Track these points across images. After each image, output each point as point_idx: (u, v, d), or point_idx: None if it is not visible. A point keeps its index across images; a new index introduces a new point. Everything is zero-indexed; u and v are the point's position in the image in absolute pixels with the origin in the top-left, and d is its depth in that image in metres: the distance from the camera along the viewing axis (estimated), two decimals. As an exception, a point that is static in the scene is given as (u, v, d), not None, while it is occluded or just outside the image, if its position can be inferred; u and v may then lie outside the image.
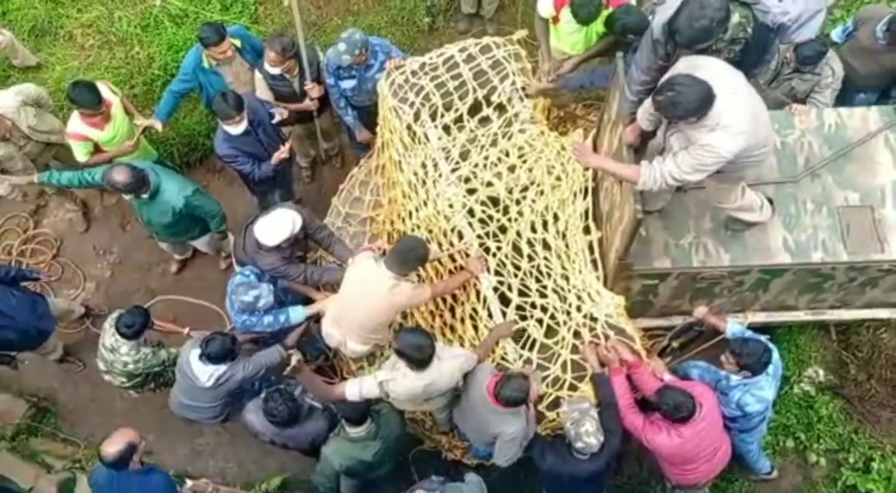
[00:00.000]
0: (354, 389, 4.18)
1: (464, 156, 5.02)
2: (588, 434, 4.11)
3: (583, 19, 4.92)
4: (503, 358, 4.63)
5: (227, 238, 5.78)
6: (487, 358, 4.49)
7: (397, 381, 4.13)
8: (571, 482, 4.36)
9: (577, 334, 4.57)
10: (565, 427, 4.20)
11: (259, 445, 4.94)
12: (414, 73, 5.13)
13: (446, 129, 5.09)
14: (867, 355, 5.45)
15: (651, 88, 3.86)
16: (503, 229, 4.84)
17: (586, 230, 4.78)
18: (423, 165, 4.99)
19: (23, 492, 5.35)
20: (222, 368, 4.54)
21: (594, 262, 4.72)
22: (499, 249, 4.76)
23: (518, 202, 4.88)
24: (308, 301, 5.01)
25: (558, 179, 4.91)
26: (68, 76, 6.36)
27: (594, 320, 4.56)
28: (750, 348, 4.37)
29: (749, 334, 4.59)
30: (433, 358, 4.05)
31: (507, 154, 5.01)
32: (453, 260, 4.85)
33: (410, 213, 5.03)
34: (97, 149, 5.40)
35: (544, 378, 4.52)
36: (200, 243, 5.84)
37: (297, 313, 4.85)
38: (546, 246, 4.77)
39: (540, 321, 4.63)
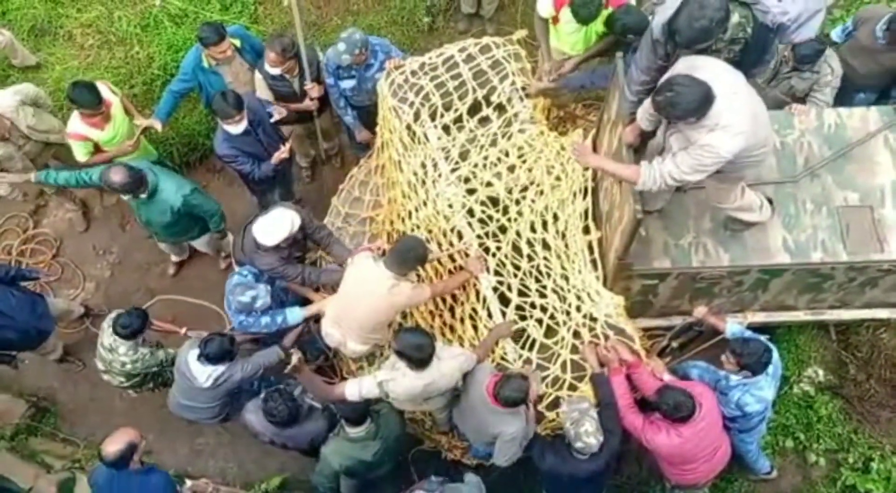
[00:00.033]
0: (354, 389, 4.18)
1: (463, 156, 5.02)
2: (588, 434, 4.11)
3: (583, 19, 4.92)
4: (503, 358, 4.63)
5: (226, 238, 5.78)
6: (487, 358, 4.49)
7: (397, 381, 4.13)
8: (571, 482, 4.36)
9: (576, 334, 4.57)
10: (565, 427, 4.20)
11: (259, 445, 4.94)
12: (413, 73, 5.13)
13: (446, 129, 5.09)
14: (867, 355, 5.45)
15: (651, 88, 3.86)
16: (503, 229, 4.84)
17: (586, 230, 4.78)
18: (423, 165, 4.99)
19: (22, 492, 5.35)
20: (221, 368, 4.54)
21: (594, 262, 4.72)
22: (498, 249, 4.76)
23: (518, 202, 4.88)
24: (306, 302, 5.01)
25: (558, 179, 4.91)
26: (68, 76, 6.37)
27: (594, 320, 4.56)
28: (750, 348, 4.37)
29: (749, 334, 4.59)
30: (433, 358, 4.05)
31: (507, 154, 5.01)
32: (453, 260, 4.86)
33: (410, 213, 5.03)
34: (97, 149, 5.40)
35: (544, 378, 4.52)
36: (200, 243, 5.84)
37: (295, 315, 4.85)
38: (546, 246, 4.77)
39: (539, 321, 4.63)
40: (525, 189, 4.92)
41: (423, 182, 4.95)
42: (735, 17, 3.68)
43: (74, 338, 6.07)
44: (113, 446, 4.23)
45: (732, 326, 4.66)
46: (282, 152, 5.27)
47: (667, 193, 4.45)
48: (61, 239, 6.53)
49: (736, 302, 4.96)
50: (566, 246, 4.77)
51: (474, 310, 4.75)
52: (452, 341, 4.82)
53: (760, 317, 5.06)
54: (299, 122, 5.89)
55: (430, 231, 4.92)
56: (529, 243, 4.77)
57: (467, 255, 4.74)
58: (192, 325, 5.55)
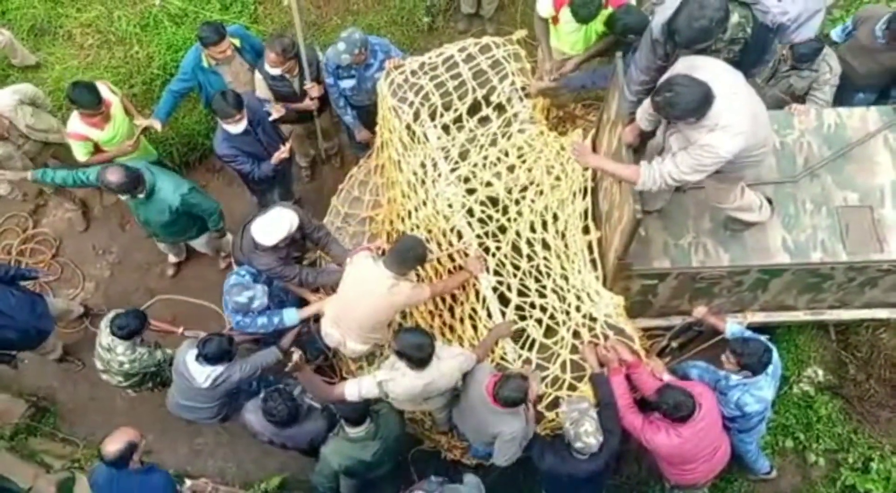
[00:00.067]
0: (354, 389, 4.18)
1: (463, 156, 5.01)
2: (587, 434, 4.11)
3: (582, 18, 4.92)
4: (502, 358, 4.63)
5: (224, 237, 5.78)
6: (487, 358, 4.49)
7: (396, 381, 4.13)
8: (570, 482, 4.36)
9: (576, 334, 4.57)
10: (564, 427, 4.20)
11: (258, 445, 4.94)
12: (413, 72, 5.13)
13: (445, 128, 5.09)
14: (866, 355, 5.45)
15: (650, 88, 3.86)
16: (502, 229, 4.84)
17: (585, 230, 4.78)
18: (423, 165, 4.99)
19: (22, 492, 5.35)
20: (219, 369, 4.54)
21: (593, 262, 4.72)
22: (498, 249, 4.76)
23: (517, 202, 4.88)
24: (304, 303, 5.01)
25: (557, 178, 4.91)
26: (67, 76, 6.37)
27: (593, 319, 4.56)
28: (751, 348, 4.37)
29: (748, 334, 4.59)
30: (432, 357, 4.04)
31: (507, 154, 5.01)
32: (452, 260, 4.86)
33: (410, 212, 5.03)
34: (97, 149, 5.40)
35: (543, 378, 4.52)
36: (198, 244, 5.84)
37: (291, 316, 4.85)
38: (545, 246, 4.77)
39: (539, 321, 4.63)
40: (525, 189, 4.92)
41: (423, 182, 4.95)
42: (735, 17, 3.69)
43: (74, 338, 6.07)
44: (113, 445, 4.23)
45: (732, 326, 4.66)
46: (282, 152, 5.26)
47: (666, 193, 4.45)
48: (61, 239, 6.53)
49: (735, 302, 4.96)
50: (566, 246, 4.77)
51: (474, 310, 4.75)
52: (452, 340, 4.82)
53: (760, 317, 5.06)
54: (299, 121, 5.89)
55: (429, 231, 4.92)
56: (529, 243, 4.77)
57: (467, 255, 4.74)
58: (192, 325, 5.56)
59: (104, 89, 5.22)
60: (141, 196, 4.94)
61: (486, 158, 4.99)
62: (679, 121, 3.64)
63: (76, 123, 5.24)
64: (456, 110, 5.08)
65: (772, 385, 4.48)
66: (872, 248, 4.55)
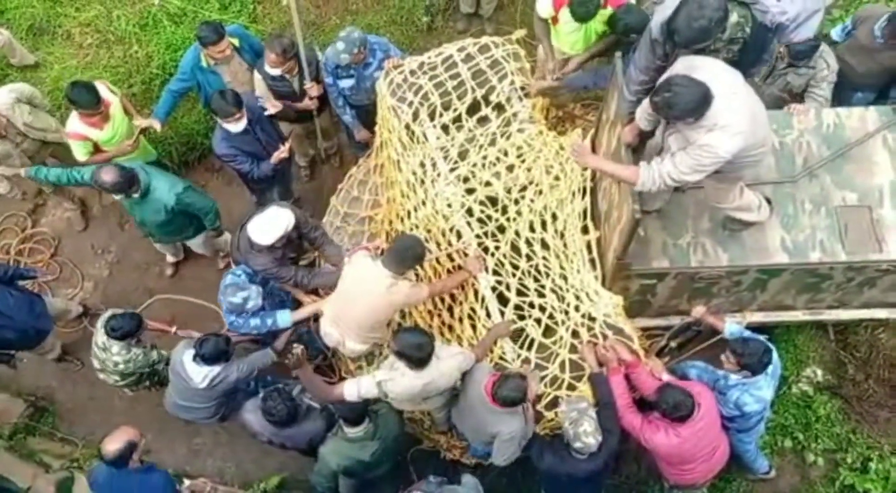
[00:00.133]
0: (353, 389, 4.17)
1: (462, 155, 5.02)
2: (586, 434, 4.11)
3: (581, 17, 4.92)
4: (501, 358, 4.63)
5: (222, 236, 5.77)
6: (485, 357, 4.49)
7: (396, 381, 4.12)
8: (570, 482, 4.36)
9: (575, 334, 4.57)
10: (563, 427, 4.21)
11: (257, 444, 4.94)
12: (412, 72, 5.13)
13: (445, 128, 5.09)
14: (865, 354, 5.45)
15: (649, 88, 3.86)
16: (501, 229, 4.84)
17: (585, 230, 4.78)
18: (422, 165, 4.99)
19: (21, 492, 5.34)
20: (216, 369, 4.54)
21: (592, 261, 4.73)
22: (497, 248, 4.76)
23: (516, 202, 4.88)
24: (300, 304, 5.01)
25: (557, 178, 4.91)
26: (66, 75, 6.37)
27: (592, 319, 4.56)
28: (751, 348, 4.37)
29: (747, 333, 4.59)
30: (432, 357, 4.04)
31: (506, 154, 5.01)
32: (451, 260, 4.86)
33: (409, 212, 5.03)
34: (97, 149, 5.39)
35: (542, 378, 4.52)
36: (195, 244, 5.83)
37: (285, 318, 4.85)
38: (544, 246, 4.77)
39: (538, 321, 4.63)
40: (524, 189, 4.92)
41: (422, 181, 4.96)
42: (734, 17, 3.69)
43: (73, 337, 6.07)
44: (113, 444, 4.23)
45: (731, 326, 4.66)
46: (281, 152, 5.26)
47: (665, 193, 4.45)
48: (60, 238, 6.52)
49: (734, 302, 4.97)
50: (565, 246, 4.78)
51: (473, 309, 4.75)
52: (451, 340, 4.82)
53: (759, 317, 5.07)
54: (299, 121, 5.89)
55: (428, 231, 4.92)
56: (528, 243, 4.77)
57: (466, 254, 4.74)
58: (191, 325, 5.56)
59: (103, 89, 5.22)
60: (136, 196, 4.93)
61: (485, 157, 4.99)
62: (678, 121, 3.64)
63: (75, 123, 5.24)
64: (455, 110, 5.08)
65: (771, 385, 4.49)
66: (871, 248, 4.55)
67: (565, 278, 4.68)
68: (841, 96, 5.27)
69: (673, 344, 5.21)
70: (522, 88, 5.19)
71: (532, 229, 4.81)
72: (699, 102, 3.48)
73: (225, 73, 5.39)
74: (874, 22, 5.09)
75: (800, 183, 4.68)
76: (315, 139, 6.23)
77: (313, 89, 5.41)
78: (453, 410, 4.56)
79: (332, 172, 6.49)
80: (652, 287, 4.78)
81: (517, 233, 4.80)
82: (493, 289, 4.67)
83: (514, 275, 4.70)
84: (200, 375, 4.55)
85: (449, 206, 4.85)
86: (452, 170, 4.94)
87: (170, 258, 6.22)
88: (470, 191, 4.91)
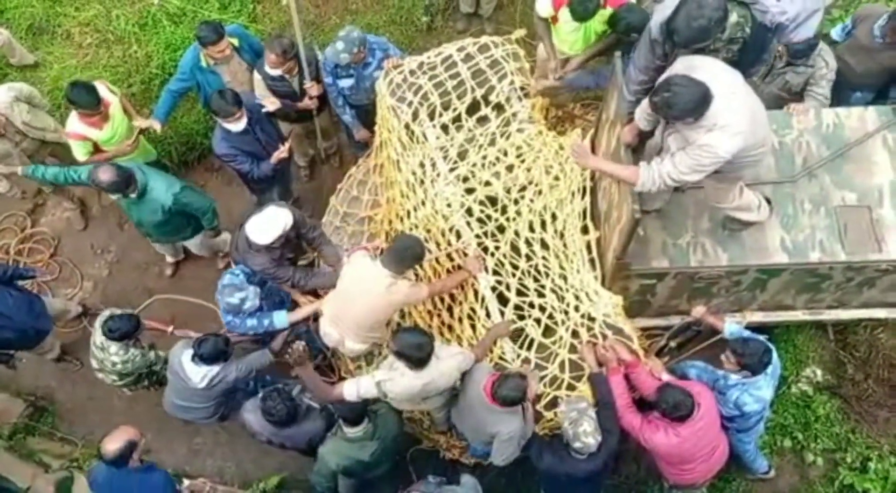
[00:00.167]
0: (352, 389, 4.18)
1: (462, 155, 5.02)
2: (586, 434, 4.11)
3: (580, 17, 4.92)
4: (501, 358, 4.64)
5: (219, 235, 5.77)
6: (485, 357, 4.49)
7: (395, 381, 4.12)
8: (569, 482, 4.36)
9: (575, 334, 4.57)
10: (563, 427, 4.20)
11: (257, 444, 4.94)
12: (412, 72, 5.13)
13: (444, 128, 5.09)
14: (865, 354, 5.45)
15: (649, 88, 3.86)
16: (501, 229, 4.85)
17: (584, 230, 4.78)
18: (422, 165, 4.99)
19: (21, 492, 5.34)
20: (215, 369, 4.54)
21: (592, 261, 4.72)
22: (497, 248, 4.76)
23: (516, 202, 4.89)
24: (297, 305, 5.02)
25: (556, 178, 4.91)
26: (66, 75, 6.37)
27: (592, 319, 4.56)
28: (751, 348, 4.37)
29: (747, 333, 4.59)
30: (431, 357, 4.04)
31: (506, 154, 5.01)
32: (451, 259, 4.86)
33: (409, 212, 5.03)
34: (96, 148, 5.39)
35: (542, 378, 4.52)
36: (193, 245, 5.82)
37: (281, 319, 4.85)
38: (544, 246, 4.77)
39: (538, 321, 4.63)
40: (523, 189, 4.92)
41: (422, 181, 4.96)
42: (733, 17, 3.69)
43: (72, 337, 6.06)
44: (113, 444, 4.23)
45: (731, 325, 4.66)
46: (281, 152, 5.26)
47: (665, 193, 4.45)
48: (59, 238, 6.52)
49: (734, 302, 4.97)
50: (564, 246, 4.78)
51: (472, 309, 4.75)
52: (451, 340, 4.82)
53: (758, 317, 5.07)
54: (298, 121, 5.88)
55: (428, 230, 4.92)
56: (528, 243, 4.77)
57: (466, 254, 4.74)
58: (190, 324, 5.56)
59: (103, 89, 5.22)
60: (133, 196, 4.92)
61: (484, 157, 4.99)
62: (677, 121, 3.64)
63: (75, 123, 5.24)
64: (455, 110, 5.08)
65: (771, 385, 4.49)
66: (871, 248, 4.55)
67: (565, 278, 4.68)
68: (840, 96, 5.27)
69: (672, 344, 5.21)
70: (522, 88, 5.19)
71: (532, 229, 4.81)
72: (698, 101, 3.48)
73: (224, 73, 5.39)
74: (874, 21, 5.09)
75: (799, 183, 4.68)
76: (315, 139, 6.23)
77: (313, 89, 5.41)
78: (453, 410, 4.56)
79: (332, 172, 6.49)
80: (651, 287, 4.78)
81: (517, 233, 4.80)
82: (493, 289, 4.67)
83: (513, 275, 4.70)
84: (199, 375, 4.55)
85: (448, 206, 4.85)
86: (452, 170, 4.94)
87: (169, 258, 6.22)
88: (469, 191, 4.91)
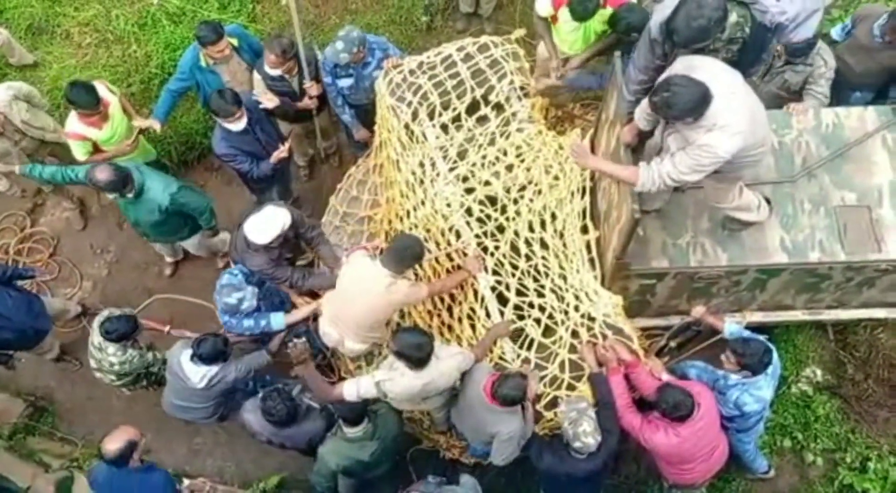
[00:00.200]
0: (352, 389, 4.18)
1: (461, 155, 5.01)
2: (586, 434, 4.11)
3: (580, 16, 4.93)
4: (501, 357, 4.63)
5: (217, 235, 5.77)
6: (485, 357, 4.49)
7: (395, 381, 4.12)
8: (569, 482, 4.36)
9: (574, 334, 4.57)
10: (563, 427, 4.20)
11: (257, 444, 4.94)
12: (412, 72, 5.13)
13: (444, 128, 5.09)
14: (864, 354, 5.45)
15: (649, 88, 3.86)
16: (501, 229, 4.84)
17: (584, 230, 4.78)
18: (421, 164, 4.99)
19: (21, 491, 5.35)
20: (214, 369, 4.54)
21: (592, 261, 4.72)
22: (496, 248, 4.76)
23: (516, 201, 4.88)
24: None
25: (556, 178, 4.91)
26: (65, 75, 6.37)
27: (592, 319, 4.56)
28: (752, 349, 4.37)
29: (747, 333, 4.59)
30: (431, 357, 4.04)
31: (505, 153, 5.01)
32: (451, 259, 4.85)
33: (408, 212, 5.03)
34: (96, 148, 5.39)
35: (542, 378, 4.51)
36: (190, 245, 5.82)
37: (278, 320, 4.86)
38: (544, 245, 4.77)
39: (538, 321, 4.63)
40: (523, 188, 4.92)
41: (422, 181, 4.95)
42: (733, 17, 3.69)
43: (71, 337, 6.06)
44: (113, 443, 4.23)
45: (730, 325, 4.66)
46: (281, 152, 5.26)
47: (665, 193, 4.45)
48: (59, 238, 6.52)
49: (734, 302, 4.97)
50: (564, 245, 4.77)
51: (472, 309, 4.75)
52: (451, 340, 4.82)
53: (758, 317, 5.07)
54: (298, 121, 5.88)
55: (428, 230, 4.91)
56: (527, 243, 4.77)
57: (465, 254, 4.74)
58: (190, 324, 5.56)
59: (102, 89, 5.21)
60: (130, 195, 4.92)
61: (484, 157, 4.99)
62: (677, 121, 3.64)
63: (74, 123, 5.24)
64: (454, 110, 5.08)
65: (771, 385, 4.49)
66: (870, 248, 4.55)
67: (565, 278, 4.67)
68: (839, 96, 5.27)
69: (672, 344, 5.21)
70: (522, 88, 5.18)
71: (531, 229, 4.81)
72: (698, 101, 3.48)
73: (224, 72, 5.39)
74: (873, 21, 5.09)
75: (799, 183, 4.68)
76: (314, 139, 6.22)
77: (313, 89, 5.40)
78: (453, 410, 4.56)
79: (332, 172, 6.49)
80: (651, 287, 4.78)
81: (516, 233, 4.80)
82: (493, 289, 4.67)
83: (513, 275, 4.70)
84: (198, 375, 4.54)
85: (448, 205, 4.85)
86: (451, 169, 4.94)
87: (168, 258, 6.21)
88: (469, 190, 4.91)
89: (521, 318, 4.64)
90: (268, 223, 4.49)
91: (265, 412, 4.42)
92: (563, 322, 4.60)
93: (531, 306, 4.65)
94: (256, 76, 5.33)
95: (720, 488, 5.35)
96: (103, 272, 6.42)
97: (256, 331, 4.83)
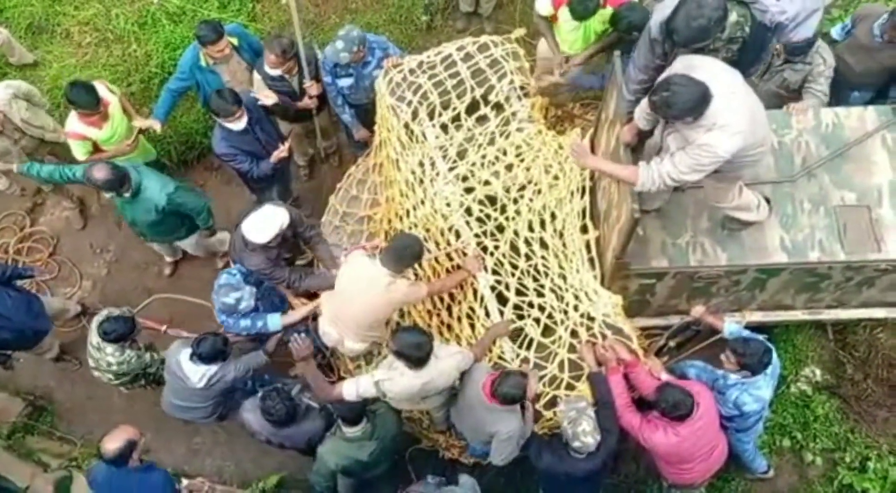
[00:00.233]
0: (351, 388, 4.17)
1: (461, 154, 5.01)
2: (585, 434, 4.11)
3: (579, 15, 4.93)
4: (500, 357, 4.63)
5: (215, 235, 5.76)
6: (484, 357, 4.49)
7: (394, 380, 4.12)
8: (568, 482, 4.36)
9: (574, 334, 4.57)
10: (562, 426, 4.20)
11: (256, 444, 4.94)
12: (412, 71, 5.13)
13: (444, 127, 5.08)
14: (864, 354, 5.45)
15: (649, 87, 3.86)
16: (500, 228, 4.84)
17: (584, 229, 4.77)
18: (421, 164, 4.99)
19: (19, 491, 5.34)
20: (214, 368, 4.54)
21: (591, 261, 4.72)
22: (496, 247, 4.76)
23: (515, 201, 4.88)
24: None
25: (556, 177, 4.91)
26: (65, 74, 6.37)
27: (591, 319, 4.56)
28: (752, 348, 4.37)
29: (747, 333, 4.59)
30: (431, 356, 4.04)
31: (505, 153, 5.01)
32: (450, 259, 4.85)
33: (408, 211, 5.03)
34: (96, 148, 5.39)
35: (541, 377, 4.51)
36: (188, 245, 5.81)
37: (275, 321, 4.86)
38: (543, 245, 4.77)
39: (537, 320, 4.62)
40: (523, 188, 4.92)
41: (421, 181, 4.95)
42: (733, 17, 3.69)
43: (71, 336, 6.05)
44: (112, 443, 4.23)
45: (730, 325, 4.66)
46: (281, 151, 5.26)
47: (665, 193, 4.45)
48: (58, 237, 6.52)
49: (733, 301, 4.97)
50: (564, 245, 4.77)
51: (472, 309, 4.75)
52: (450, 339, 4.82)
53: (758, 316, 5.07)
54: (298, 120, 5.88)
55: (427, 230, 4.91)
56: (527, 242, 4.77)
57: (465, 253, 4.74)
58: (189, 324, 5.56)
59: (102, 88, 5.21)
60: (127, 195, 4.92)
61: (484, 156, 4.99)
62: (676, 120, 3.63)
63: (74, 123, 5.24)
64: (454, 109, 5.08)
65: (770, 385, 4.49)
66: (870, 247, 4.55)
67: (564, 278, 4.67)
68: (839, 96, 5.27)
69: (672, 343, 5.21)
70: (521, 88, 5.18)
71: (531, 229, 4.80)
72: (698, 101, 3.48)
73: (224, 72, 5.39)
74: (873, 21, 5.09)
75: (799, 183, 4.68)
76: (314, 138, 6.22)
77: (313, 88, 5.40)
78: (452, 409, 4.56)
79: (331, 172, 6.49)
80: (651, 287, 4.78)
81: (516, 232, 4.79)
82: (492, 288, 4.67)
83: (512, 274, 4.70)
84: (198, 374, 4.54)
85: (448, 205, 4.84)
86: (451, 169, 4.94)
87: (168, 258, 6.21)
88: (469, 190, 4.90)
89: (521, 317, 4.64)
90: (266, 222, 4.49)
91: (264, 412, 4.42)
92: (562, 322, 4.60)
93: (531, 305, 4.65)
94: (256, 76, 5.32)
95: (719, 487, 5.35)
96: (103, 272, 6.42)
97: (253, 332, 4.83)
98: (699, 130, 3.57)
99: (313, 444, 4.55)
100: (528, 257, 4.74)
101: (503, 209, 4.87)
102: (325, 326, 4.71)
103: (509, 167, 4.97)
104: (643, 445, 4.39)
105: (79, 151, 5.32)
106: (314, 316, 4.93)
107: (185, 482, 5.07)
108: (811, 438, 5.38)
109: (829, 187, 4.67)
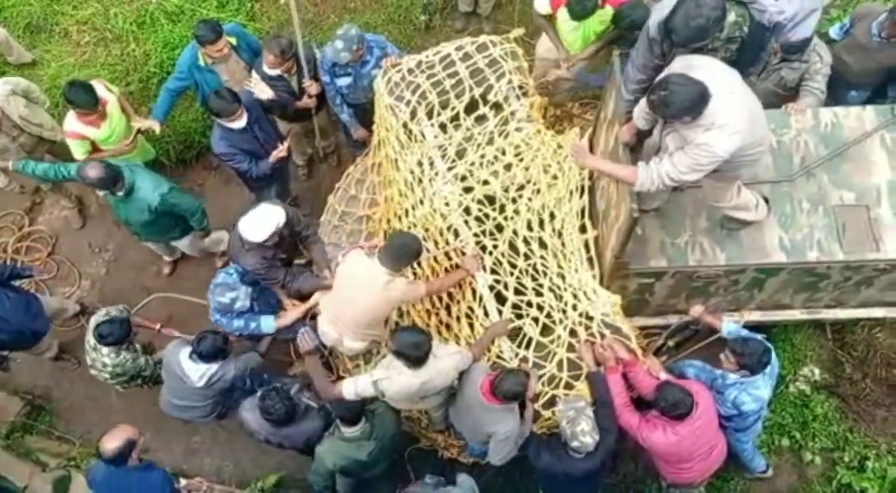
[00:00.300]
0: (350, 388, 4.17)
1: (460, 154, 5.01)
2: (584, 433, 4.11)
3: (577, 15, 4.94)
4: (499, 356, 4.63)
5: (209, 236, 5.76)
6: (483, 356, 4.49)
7: (393, 379, 4.12)
8: (567, 481, 4.36)
9: (573, 333, 4.57)
10: (561, 426, 4.20)
11: (255, 443, 4.94)
12: (410, 71, 5.12)
13: (442, 127, 5.08)
14: (862, 354, 5.45)
15: (647, 87, 3.85)
16: (499, 228, 4.84)
17: (582, 229, 4.77)
18: (420, 164, 4.99)
19: (18, 491, 5.35)
20: (214, 366, 4.54)
21: (590, 260, 4.72)
22: (495, 247, 4.76)
23: (514, 201, 4.88)
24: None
25: (554, 177, 4.91)
26: (64, 73, 6.36)
27: (590, 318, 4.56)
28: (751, 348, 4.38)
29: (745, 333, 4.59)
30: (429, 356, 4.04)
31: (504, 152, 5.01)
32: (449, 258, 4.85)
33: (406, 211, 5.03)
34: (95, 147, 5.38)
35: (540, 377, 4.51)
36: (183, 245, 5.81)
37: (269, 323, 4.87)
38: (542, 244, 4.76)
39: (536, 320, 4.62)
40: (522, 187, 4.92)
41: (420, 180, 4.95)
42: (731, 16, 3.69)
43: (70, 336, 6.05)
44: (111, 442, 4.23)
45: (729, 325, 4.66)
46: (280, 151, 5.26)
47: (664, 193, 4.44)
48: (57, 236, 6.52)
49: (732, 301, 4.97)
50: (563, 244, 4.77)
51: (470, 308, 4.74)
52: (449, 339, 4.81)
53: (756, 316, 5.07)
54: (297, 120, 5.87)
55: (426, 229, 4.91)
56: (526, 242, 4.76)
57: (464, 253, 4.74)
58: (189, 323, 5.55)
59: (100, 88, 5.21)
60: (120, 194, 4.92)
61: (482, 156, 4.98)
62: (675, 120, 3.63)
63: (73, 122, 5.23)
64: (453, 109, 5.07)
65: (769, 384, 4.49)
66: (869, 247, 4.55)
67: (563, 277, 4.67)
68: (837, 95, 5.28)
69: (671, 343, 5.21)
70: (520, 87, 5.18)
71: (530, 228, 4.80)
72: (696, 100, 3.48)
73: (222, 71, 5.38)
74: (872, 20, 5.09)
75: (797, 182, 4.68)
76: (313, 138, 6.21)
77: (312, 88, 5.40)
78: (450, 409, 4.56)
79: (330, 171, 6.48)
80: (650, 286, 4.78)
81: (515, 232, 4.79)
82: (491, 288, 4.66)
83: (511, 274, 4.70)
84: (198, 373, 4.54)
85: (447, 204, 4.84)
86: (450, 168, 4.94)
87: (166, 257, 6.21)
88: (468, 189, 4.90)
89: (520, 317, 4.63)
90: (263, 221, 4.49)
91: (263, 411, 4.42)
92: (561, 321, 4.59)
93: (529, 304, 4.65)
94: (255, 76, 5.31)
95: (718, 487, 5.35)
96: (102, 271, 6.42)
97: (245, 332, 4.84)
98: (698, 129, 3.58)
99: (312, 444, 4.55)
100: (526, 257, 4.74)
101: (502, 209, 4.87)
102: (324, 325, 4.71)
103: (508, 167, 4.97)
104: (642, 444, 4.39)
105: (77, 150, 5.32)
106: (313, 315, 4.93)
107: (183, 481, 5.06)
108: (810, 437, 5.39)
109: (827, 187, 4.67)
